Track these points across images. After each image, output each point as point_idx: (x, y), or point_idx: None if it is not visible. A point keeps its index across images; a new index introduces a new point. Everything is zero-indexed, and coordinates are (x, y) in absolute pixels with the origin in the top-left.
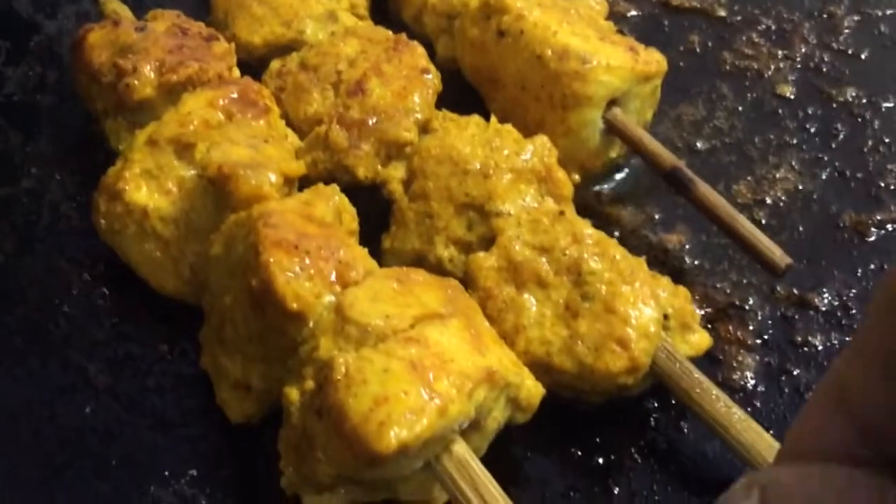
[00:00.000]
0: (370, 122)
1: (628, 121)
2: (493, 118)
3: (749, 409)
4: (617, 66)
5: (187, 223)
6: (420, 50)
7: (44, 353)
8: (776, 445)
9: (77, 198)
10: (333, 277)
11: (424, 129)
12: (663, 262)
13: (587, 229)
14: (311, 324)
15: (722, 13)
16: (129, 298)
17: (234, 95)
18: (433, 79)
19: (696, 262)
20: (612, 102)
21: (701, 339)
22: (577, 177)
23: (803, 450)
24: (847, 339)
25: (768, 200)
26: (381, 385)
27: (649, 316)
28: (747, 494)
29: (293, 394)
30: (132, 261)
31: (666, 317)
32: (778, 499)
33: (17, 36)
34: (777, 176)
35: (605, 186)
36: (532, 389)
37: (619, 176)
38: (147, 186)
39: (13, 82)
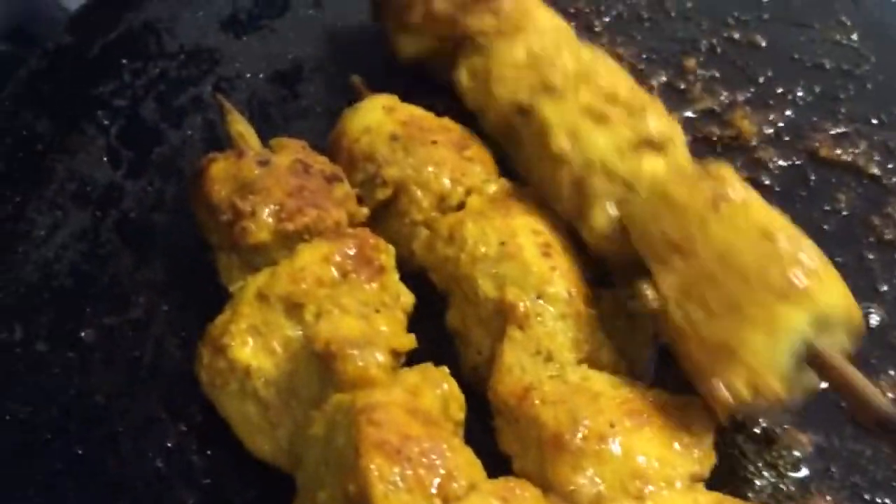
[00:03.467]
0: None
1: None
2: None
3: None
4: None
5: (290, 389)
6: None
7: None
8: None
9: (182, 334)
10: (434, 489)
11: None
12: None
13: None
14: None
15: (875, 171)
16: (224, 458)
17: (351, 251)
18: None
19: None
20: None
21: None
22: (745, 391)
23: None
24: None
25: None
26: None
27: None
28: None
29: None
30: (230, 419)
31: None
32: None
33: (141, 146)
34: None
35: None
36: None
37: None
38: (253, 344)
39: (131, 197)
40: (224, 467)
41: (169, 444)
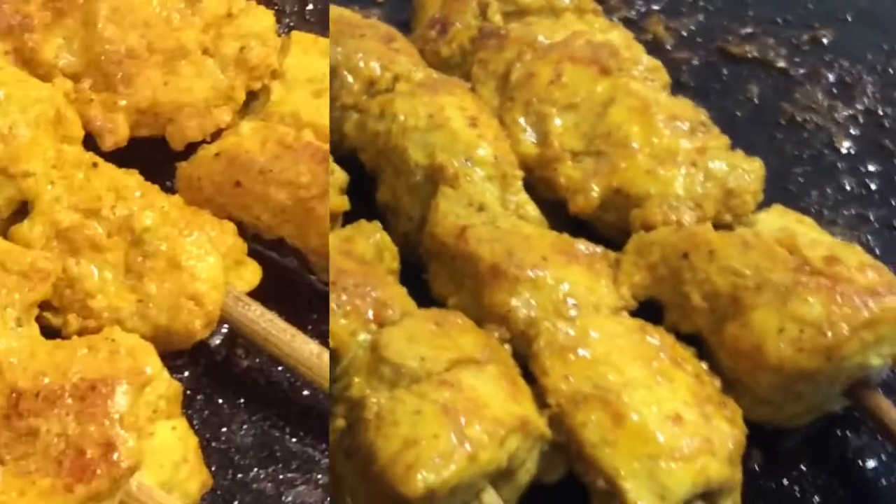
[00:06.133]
0: None
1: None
2: None
3: None
4: None
5: None
6: None
7: None
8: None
9: None
10: (370, 315)
11: None
12: None
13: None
14: (345, 362)
15: (782, 64)
16: None
17: None
18: None
19: None
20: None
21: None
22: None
23: None
24: None
25: None
26: (412, 427)
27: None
28: None
29: None
30: None
31: None
32: None
33: None
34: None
35: None
36: None
37: None
38: None
39: None
40: None
41: None
